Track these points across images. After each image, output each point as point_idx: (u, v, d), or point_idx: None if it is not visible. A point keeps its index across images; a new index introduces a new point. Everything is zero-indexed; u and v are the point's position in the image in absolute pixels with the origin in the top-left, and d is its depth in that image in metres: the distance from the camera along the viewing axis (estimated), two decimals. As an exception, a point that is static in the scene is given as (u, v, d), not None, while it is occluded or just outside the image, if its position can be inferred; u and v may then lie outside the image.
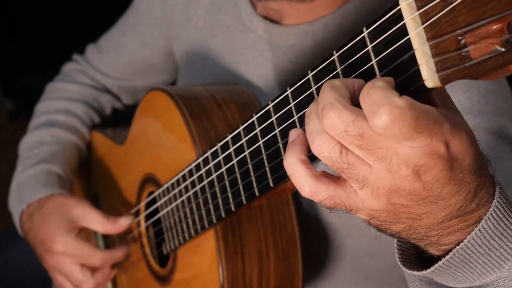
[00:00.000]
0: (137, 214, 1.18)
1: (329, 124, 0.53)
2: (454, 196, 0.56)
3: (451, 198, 0.57)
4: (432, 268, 0.63)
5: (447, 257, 0.62)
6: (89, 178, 1.41)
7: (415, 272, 0.65)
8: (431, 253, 0.64)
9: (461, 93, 0.91)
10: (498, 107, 0.92)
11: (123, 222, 1.13)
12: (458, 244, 0.61)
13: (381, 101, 0.50)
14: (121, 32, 1.33)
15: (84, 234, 1.19)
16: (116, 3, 1.81)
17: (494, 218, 0.59)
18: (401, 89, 0.54)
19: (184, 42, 1.21)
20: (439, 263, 0.62)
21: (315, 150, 0.55)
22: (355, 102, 0.56)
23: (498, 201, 0.59)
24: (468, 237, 0.60)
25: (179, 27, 1.21)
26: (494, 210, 0.59)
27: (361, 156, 0.54)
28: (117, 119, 1.42)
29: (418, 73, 0.52)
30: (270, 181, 0.74)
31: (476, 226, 0.60)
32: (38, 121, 1.35)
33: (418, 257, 0.68)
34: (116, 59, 1.35)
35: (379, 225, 0.60)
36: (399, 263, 0.67)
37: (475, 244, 0.60)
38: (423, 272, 0.64)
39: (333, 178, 0.59)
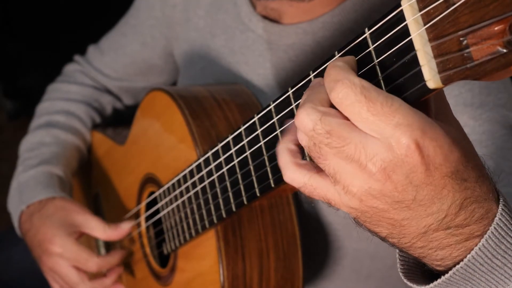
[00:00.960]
0: (137, 214, 1.18)
1: (299, 124, 0.56)
2: (434, 203, 0.55)
3: (431, 205, 0.55)
4: (431, 285, 0.62)
5: (447, 275, 0.60)
6: (89, 178, 1.41)
7: (416, 286, 0.64)
8: (430, 266, 0.62)
9: (461, 86, 0.90)
10: (500, 97, 0.91)
11: (124, 227, 1.13)
12: (452, 260, 0.59)
13: (337, 78, 0.53)
14: (122, 33, 1.34)
15: (85, 239, 1.19)
16: (116, 4, 1.81)
17: (495, 236, 0.57)
18: (403, 89, 0.54)
19: (184, 42, 1.21)
20: (439, 280, 0.61)
21: (299, 140, 0.58)
22: None
23: (500, 218, 0.57)
24: (468, 255, 0.58)
25: (179, 27, 1.21)
26: (495, 228, 0.57)
27: (332, 155, 0.55)
28: (118, 119, 1.43)
29: (420, 74, 0.52)
30: (271, 181, 0.75)
31: (471, 243, 0.58)
32: (39, 122, 1.35)
33: (420, 269, 0.66)
34: (117, 60, 1.35)
35: (363, 224, 0.60)
36: (401, 275, 0.65)
37: (476, 263, 0.58)
38: (423, 287, 0.63)
39: (314, 169, 0.59)
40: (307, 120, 0.55)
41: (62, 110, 1.36)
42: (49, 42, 2.44)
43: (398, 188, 0.54)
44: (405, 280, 0.65)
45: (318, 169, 0.59)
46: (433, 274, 0.63)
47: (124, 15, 1.36)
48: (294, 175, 0.60)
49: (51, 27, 2.43)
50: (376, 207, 0.56)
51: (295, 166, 0.60)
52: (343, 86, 0.53)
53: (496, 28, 0.48)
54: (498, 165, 0.87)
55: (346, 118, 0.54)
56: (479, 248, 0.57)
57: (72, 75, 1.41)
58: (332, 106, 0.55)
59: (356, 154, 0.53)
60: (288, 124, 0.64)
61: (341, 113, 0.54)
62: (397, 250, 0.65)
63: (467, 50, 0.49)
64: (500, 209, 0.57)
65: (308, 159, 0.61)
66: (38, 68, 2.45)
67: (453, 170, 0.54)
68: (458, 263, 0.59)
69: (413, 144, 0.52)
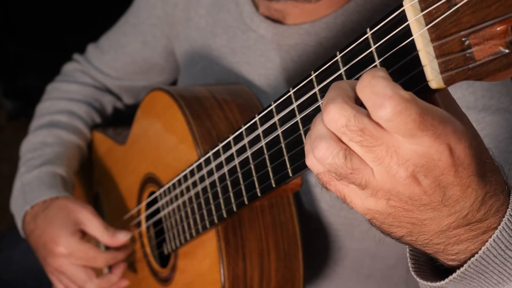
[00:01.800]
0: (138, 214, 1.18)
1: (330, 118, 0.52)
2: (458, 202, 0.55)
3: (456, 205, 0.55)
4: (446, 280, 0.62)
5: (462, 268, 0.60)
6: (90, 178, 1.41)
7: (430, 283, 0.64)
8: (442, 261, 0.63)
9: (465, 88, 0.90)
10: (503, 101, 0.91)
11: (121, 238, 1.13)
12: (467, 254, 0.59)
13: (386, 93, 0.49)
14: (122, 32, 1.33)
15: (87, 237, 1.19)
16: (116, 2, 1.81)
17: (509, 228, 0.57)
18: (404, 90, 0.54)
19: (185, 41, 1.21)
20: (454, 274, 0.61)
21: (319, 156, 0.54)
22: (358, 103, 0.55)
23: None
24: (483, 247, 0.58)
25: (180, 26, 1.21)
26: (508, 219, 0.57)
27: (361, 154, 0.53)
28: (118, 119, 1.43)
29: (422, 74, 0.52)
30: (272, 181, 0.74)
31: (487, 236, 0.58)
32: (40, 122, 1.35)
33: (431, 266, 0.66)
34: (117, 59, 1.35)
35: (379, 226, 0.59)
36: (413, 273, 0.65)
37: (490, 255, 0.59)
38: (438, 283, 0.63)
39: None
40: (339, 116, 0.52)
41: (63, 110, 1.35)
42: (49, 42, 2.44)
43: (427, 192, 0.54)
44: (417, 279, 0.65)
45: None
46: (441, 270, 0.64)
47: (124, 14, 1.35)
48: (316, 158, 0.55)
49: (51, 27, 2.43)
50: (401, 208, 0.55)
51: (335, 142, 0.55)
52: (396, 103, 0.49)
53: (498, 29, 0.48)
54: None
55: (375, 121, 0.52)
56: (493, 240, 0.58)
57: (72, 74, 1.41)
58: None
59: (388, 157, 0.52)
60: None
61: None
62: (408, 250, 0.65)
63: (469, 51, 0.49)
64: None
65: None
66: (38, 68, 2.45)
67: (477, 168, 0.54)
68: (473, 256, 0.59)
69: (447, 149, 0.51)
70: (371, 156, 0.53)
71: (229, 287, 0.94)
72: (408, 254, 0.66)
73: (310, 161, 0.56)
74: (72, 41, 1.91)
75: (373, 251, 1.06)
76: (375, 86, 0.50)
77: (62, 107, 1.36)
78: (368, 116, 0.52)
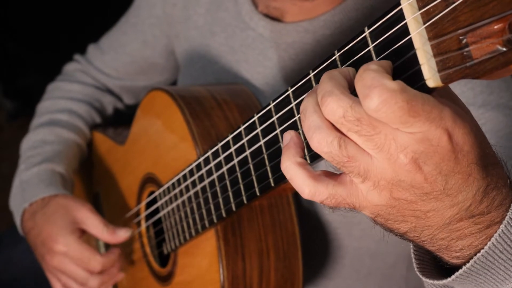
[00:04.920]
0: (137, 213, 1.18)
1: (328, 111, 0.53)
2: (460, 192, 0.55)
3: (458, 195, 0.55)
4: (453, 277, 0.61)
5: (468, 265, 0.60)
6: (89, 178, 1.41)
7: (436, 282, 0.63)
8: (446, 260, 0.62)
9: (463, 84, 0.90)
10: (502, 96, 0.91)
11: (122, 235, 1.12)
12: (472, 250, 0.59)
13: (372, 84, 0.50)
14: (123, 32, 1.34)
15: (86, 237, 1.19)
16: (116, 3, 1.81)
17: None
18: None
19: (185, 40, 1.21)
20: (460, 271, 0.60)
21: (314, 146, 0.55)
22: (351, 90, 0.56)
23: None
24: (488, 243, 0.58)
25: (179, 25, 1.21)
26: None
27: (360, 144, 0.54)
28: (119, 119, 1.43)
29: (419, 73, 0.52)
30: (271, 180, 0.74)
31: (491, 230, 0.58)
32: (40, 120, 1.35)
33: (435, 265, 0.66)
34: (118, 58, 1.35)
35: (384, 223, 0.59)
36: (418, 273, 0.65)
37: (496, 250, 0.58)
38: (444, 281, 0.62)
39: (333, 176, 0.58)
40: (336, 107, 0.53)
41: (64, 109, 1.35)
42: (49, 42, 2.44)
43: (428, 179, 0.54)
44: (423, 278, 0.65)
45: (335, 176, 0.58)
46: (444, 269, 0.63)
47: (124, 14, 1.36)
48: (315, 190, 0.58)
49: (51, 27, 2.43)
50: (404, 199, 0.55)
51: (312, 180, 0.58)
52: (380, 93, 0.50)
53: (495, 27, 0.48)
54: None
55: None
56: (499, 235, 0.57)
57: (73, 74, 1.41)
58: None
59: (386, 144, 0.53)
60: (287, 138, 0.62)
61: None
62: (412, 249, 0.65)
63: (467, 49, 0.49)
64: None
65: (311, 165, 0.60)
66: (38, 68, 2.45)
67: (478, 156, 0.54)
68: (478, 252, 0.59)
69: (445, 134, 0.52)
70: (370, 145, 0.53)
71: (229, 287, 0.94)
72: (412, 254, 0.65)
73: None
74: (72, 41, 1.91)
75: (372, 249, 1.06)
76: (364, 79, 0.51)
77: (63, 106, 1.36)
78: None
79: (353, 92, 0.54)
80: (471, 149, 0.53)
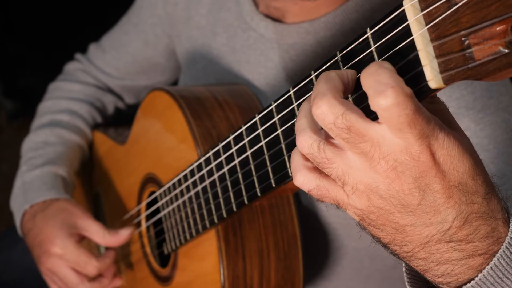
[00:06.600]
0: (138, 214, 1.18)
1: (318, 114, 0.55)
2: (439, 212, 0.55)
3: (436, 214, 0.55)
4: None
5: None
6: (90, 177, 1.41)
7: None
8: (432, 283, 0.61)
9: (463, 88, 0.90)
10: (501, 100, 0.91)
11: (124, 234, 1.13)
12: (454, 278, 0.58)
13: (389, 82, 0.51)
14: (124, 31, 1.33)
15: (86, 242, 1.19)
16: (116, 2, 1.81)
17: (507, 256, 0.56)
18: None
19: (186, 40, 1.21)
20: None
21: (298, 147, 0.58)
22: (347, 93, 0.57)
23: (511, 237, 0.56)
24: (480, 274, 0.57)
25: (181, 25, 1.21)
26: (507, 247, 0.56)
27: (347, 149, 0.55)
28: (120, 119, 1.43)
29: (421, 74, 0.53)
30: (272, 181, 0.75)
31: (473, 261, 0.57)
32: (42, 121, 1.35)
33: (426, 281, 0.65)
34: (119, 58, 1.35)
35: (368, 228, 0.59)
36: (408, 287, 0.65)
37: (487, 282, 0.57)
38: None
39: (323, 173, 0.60)
40: (328, 113, 0.54)
41: (65, 109, 1.35)
42: (49, 42, 2.44)
43: (405, 190, 0.54)
44: None
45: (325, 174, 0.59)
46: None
47: (126, 13, 1.36)
48: (305, 178, 0.60)
49: (51, 27, 2.43)
50: (382, 208, 0.56)
51: (306, 169, 0.60)
52: (396, 94, 0.51)
53: (498, 28, 0.48)
54: (500, 170, 0.87)
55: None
56: (491, 267, 0.57)
57: (74, 74, 1.41)
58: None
59: (371, 152, 0.54)
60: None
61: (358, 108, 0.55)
62: (403, 262, 0.64)
63: (469, 50, 0.49)
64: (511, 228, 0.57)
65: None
66: (38, 68, 2.45)
67: (461, 181, 0.54)
68: (462, 281, 0.58)
69: (427, 150, 0.53)
70: (355, 150, 0.55)
71: (229, 287, 0.94)
72: (404, 269, 0.65)
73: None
74: (72, 41, 1.91)
75: (372, 251, 1.06)
76: (380, 75, 0.52)
77: (64, 106, 1.36)
78: (356, 112, 0.54)
79: (353, 92, 0.55)
80: (454, 172, 0.54)
